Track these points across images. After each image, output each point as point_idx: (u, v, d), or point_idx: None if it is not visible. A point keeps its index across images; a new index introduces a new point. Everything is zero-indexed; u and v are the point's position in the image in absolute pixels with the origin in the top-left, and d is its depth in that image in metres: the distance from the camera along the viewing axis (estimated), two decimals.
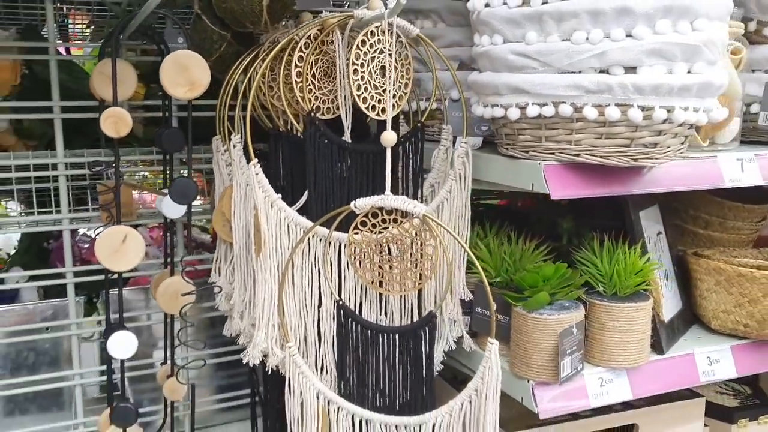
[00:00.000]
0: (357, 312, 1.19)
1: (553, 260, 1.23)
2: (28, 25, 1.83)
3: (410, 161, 1.20)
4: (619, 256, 1.19)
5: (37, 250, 2.04)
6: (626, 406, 1.36)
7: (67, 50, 2.01)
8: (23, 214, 1.94)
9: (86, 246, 2.02)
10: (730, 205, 1.46)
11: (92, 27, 2.12)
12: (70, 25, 2.14)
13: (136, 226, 1.89)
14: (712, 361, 1.29)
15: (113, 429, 1.32)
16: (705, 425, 1.45)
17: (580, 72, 0.99)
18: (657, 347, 1.26)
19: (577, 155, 1.04)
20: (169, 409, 1.51)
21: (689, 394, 1.43)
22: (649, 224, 1.33)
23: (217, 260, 1.38)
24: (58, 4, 1.89)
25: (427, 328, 1.17)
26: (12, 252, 2.20)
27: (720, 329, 1.35)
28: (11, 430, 1.50)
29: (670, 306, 1.34)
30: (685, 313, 1.40)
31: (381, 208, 1.12)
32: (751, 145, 1.36)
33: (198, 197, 1.38)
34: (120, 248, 1.10)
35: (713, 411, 1.53)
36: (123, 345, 1.20)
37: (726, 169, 1.19)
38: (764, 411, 1.54)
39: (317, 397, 1.17)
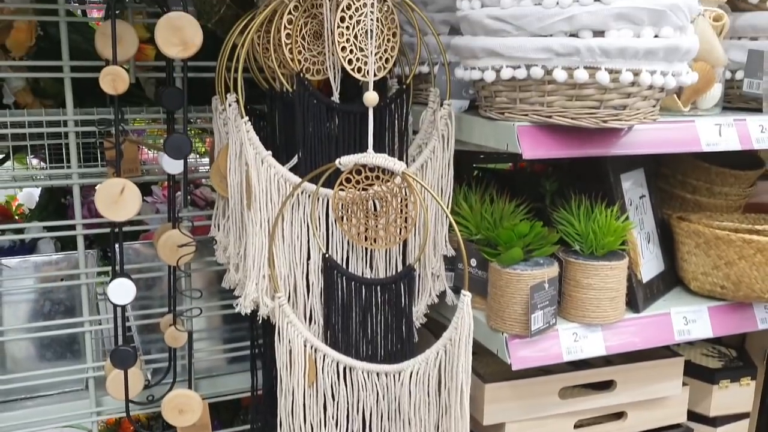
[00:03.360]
0: (344, 266, 1.25)
1: (533, 220, 1.27)
2: None
3: (396, 121, 1.25)
4: (597, 216, 1.23)
5: (55, 206, 2.13)
6: (605, 363, 1.41)
7: (84, 13, 2.07)
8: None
9: None
10: (717, 171, 1.47)
11: None
12: None
13: (148, 184, 1.99)
14: (689, 320, 1.33)
15: (117, 371, 1.40)
16: (686, 384, 1.48)
17: (551, 35, 1.02)
18: (633, 305, 1.30)
19: (549, 117, 1.07)
20: (173, 357, 1.60)
21: (669, 353, 1.47)
22: (631, 187, 1.37)
23: (215, 216, 1.45)
24: None
25: (406, 281, 1.23)
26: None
27: (699, 291, 1.39)
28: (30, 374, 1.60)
29: (650, 267, 1.38)
30: (667, 276, 1.43)
31: (364, 166, 1.17)
32: (737, 111, 1.38)
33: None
34: (118, 199, 1.17)
35: (696, 372, 1.57)
36: (122, 291, 1.27)
37: (703, 133, 1.22)
38: (746, 373, 1.57)
39: (304, 345, 1.23)
